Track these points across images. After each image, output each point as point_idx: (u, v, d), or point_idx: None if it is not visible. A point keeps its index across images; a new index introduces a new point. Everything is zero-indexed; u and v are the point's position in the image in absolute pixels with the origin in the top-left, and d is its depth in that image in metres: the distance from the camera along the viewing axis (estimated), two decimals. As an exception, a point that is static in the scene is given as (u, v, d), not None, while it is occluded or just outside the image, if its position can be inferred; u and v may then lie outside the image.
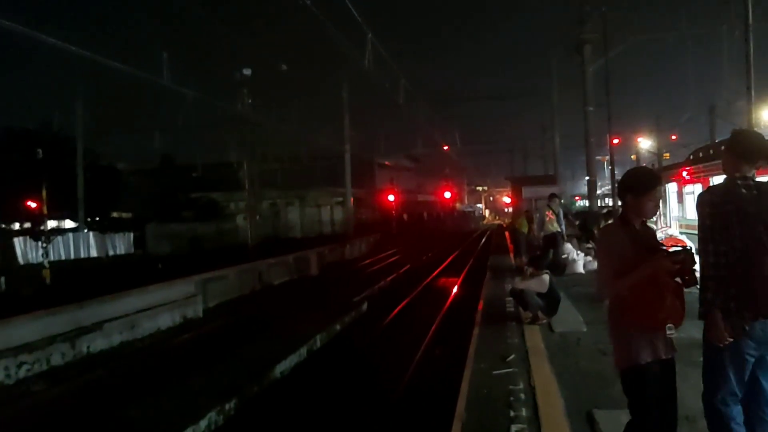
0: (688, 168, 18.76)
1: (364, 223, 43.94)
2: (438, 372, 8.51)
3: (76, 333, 10.17)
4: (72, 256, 33.26)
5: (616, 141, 27.45)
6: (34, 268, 24.04)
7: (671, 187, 20.65)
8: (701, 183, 16.42)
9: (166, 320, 12.68)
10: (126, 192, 47.07)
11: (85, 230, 37.01)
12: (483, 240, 40.11)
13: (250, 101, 26.87)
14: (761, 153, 3.44)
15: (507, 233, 31.46)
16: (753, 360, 3.30)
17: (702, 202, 3.43)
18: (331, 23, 18.54)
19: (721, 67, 28.37)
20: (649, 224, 3.60)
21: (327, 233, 42.83)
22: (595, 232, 15.89)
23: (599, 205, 27.55)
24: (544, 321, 8.91)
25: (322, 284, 19.80)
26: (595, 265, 12.95)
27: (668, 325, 3.16)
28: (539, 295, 9.06)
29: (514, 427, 4.94)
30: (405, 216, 54.25)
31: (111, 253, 35.53)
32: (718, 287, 3.29)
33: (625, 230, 3.27)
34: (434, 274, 21.13)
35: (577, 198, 64.53)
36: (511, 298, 10.29)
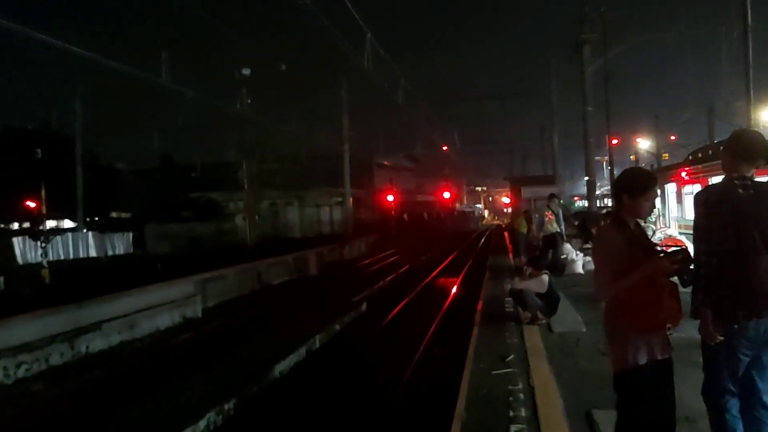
0: (687, 168, 18.77)
1: (364, 223, 43.92)
2: (437, 372, 8.51)
3: (75, 333, 10.16)
4: (71, 256, 33.26)
5: (615, 141, 27.50)
6: (33, 268, 24.04)
7: (670, 188, 20.66)
8: (700, 183, 16.42)
9: (165, 320, 12.68)
10: (125, 192, 47.09)
11: (84, 230, 37.01)
12: (482, 240, 40.13)
13: (249, 101, 26.84)
14: (760, 153, 3.44)
15: (506, 233, 31.47)
16: (747, 359, 3.32)
17: (697, 202, 3.45)
18: (331, 23, 18.54)
19: (720, 67, 28.38)
20: (647, 224, 3.61)
21: (326, 233, 42.83)
22: (594, 232, 15.89)
23: (598, 205, 27.55)
24: (544, 321, 8.91)
25: (321, 284, 19.80)
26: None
27: (667, 325, 3.18)
28: (538, 295, 9.06)
29: (513, 427, 4.94)
30: (405, 216, 54.25)
31: (110, 253, 35.51)
32: (709, 287, 3.30)
33: (620, 231, 3.27)
34: (433, 274, 21.13)
35: (576, 198, 64.54)
36: (510, 299, 10.30)
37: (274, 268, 20.16)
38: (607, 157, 34.60)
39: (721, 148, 4.09)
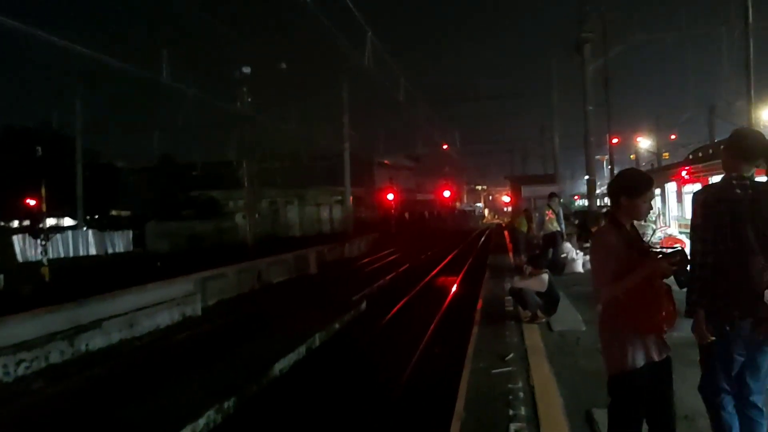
0: (687, 168, 18.78)
1: (364, 222, 43.93)
2: (437, 371, 8.50)
3: (75, 331, 10.16)
4: (71, 254, 33.28)
5: (615, 141, 27.50)
6: (33, 266, 24.01)
7: (670, 187, 20.67)
8: (700, 182, 16.43)
9: (165, 318, 12.67)
10: (125, 190, 47.04)
11: (85, 228, 37.01)
12: (482, 239, 40.12)
13: (249, 100, 26.85)
14: (761, 152, 3.44)
15: (506, 232, 31.47)
16: (742, 359, 3.33)
17: (695, 202, 3.45)
18: (331, 22, 18.54)
19: (720, 67, 28.37)
20: (647, 223, 3.62)
21: (326, 232, 42.82)
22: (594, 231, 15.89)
23: (598, 204, 27.53)
24: (543, 320, 8.92)
25: (321, 283, 19.80)
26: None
27: (663, 327, 3.19)
28: (538, 294, 9.07)
29: (513, 426, 4.94)
30: (406, 215, 54.23)
31: (110, 251, 35.52)
32: (704, 287, 3.31)
33: (617, 232, 3.27)
34: (433, 273, 21.13)
35: (576, 197, 64.55)
36: (510, 297, 10.30)
37: (274, 266, 20.17)
38: (607, 156, 34.60)
39: (722, 147, 4.09)
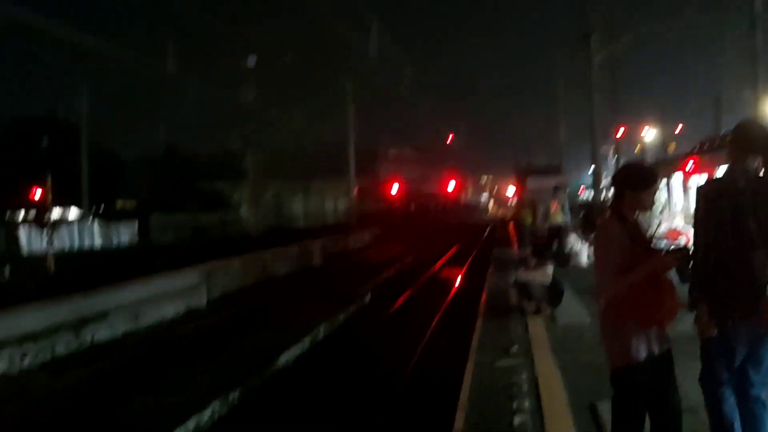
0: (692, 159, 18.67)
1: (369, 214, 43.89)
2: (441, 363, 8.50)
3: (80, 322, 10.18)
4: (76, 246, 33.35)
5: (621, 131, 27.35)
6: (38, 257, 24.10)
7: (676, 179, 20.57)
8: (706, 173, 16.34)
9: (170, 310, 12.69)
10: (130, 181, 47.15)
11: (90, 219, 37.08)
12: (487, 231, 40.06)
13: (254, 91, 26.84)
14: (765, 144, 3.41)
15: (511, 224, 31.40)
16: (744, 352, 3.31)
17: (698, 195, 3.43)
18: (337, 12, 18.48)
19: (727, 57, 28.16)
20: (653, 215, 3.60)
21: (331, 224, 42.79)
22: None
23: (603, 196, 27.43)
24: (548, 312, 8.91)
25: (325, 275, 19.80)
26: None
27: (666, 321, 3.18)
28: (543, 286, 9.05)
29: (516, 419, 4.94)
30: (412, 206, 54.14)
31: (115, 242, 35.58)
32: (706, 282, 3.29)
33: (622, 225, 3.25)
34: (438, 265, 21.12)
35: (581, 189, 64.31)
36: (514, 290, 10.29)
37: (279, 258, 20.17)
38: (613, 147, 34.44)
39: (726, 139, 4.06)
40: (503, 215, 58.02)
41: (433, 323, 11.51)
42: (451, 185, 69.15)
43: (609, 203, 3.59)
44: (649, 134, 45.68)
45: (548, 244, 14.25)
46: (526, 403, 5.28)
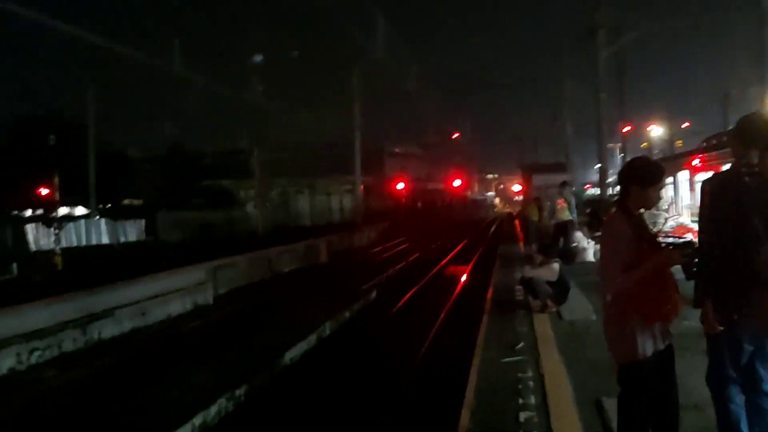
0: (700, 155, 18.62)
1: (374, 211, 43.86)
2: (447, 360, 8.50)
3: (88, 319, 10.22)
4: (83, 243, 33.46)
5: (627, 128, 27.25)
6: (46, 255, 24.21)
7: (683, 175, 20.51)
8: (713, 170, 16.29)
9: (176, 307, 12.73)
10: (137, 179, 47.27)
11: (97, 217, 37.22)
12: (493, 228, 40.03)
13: (260, 88, 26.87)
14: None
15: (517, 221, 31.37)
16: (751, 349, 3.30)
17: (703, 192, 3.41)
18: (343, 10, 18.47)
19: (735, 53, 28.06)
20: (659, 211, 3.59)
21: (337, 221, 42.79)
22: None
23: (610, 192, 27.33)
24: (554, 309, 8.90)
25: (331, 272, 19.82)
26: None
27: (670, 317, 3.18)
28: (549, 283, 9.05)
29: (522, 415, 4.94)
30: (419, 204, 54.10)
31: (122, 239, 35.69)
32: (711, 278, 3.27)
33: (628, 221, 3.24)
34: (444, 262, 21.10)
35: (587, 186, 64.14)
36: (520, 287, 10.28)
37: (285, 256, 20.20)
38: (619, 144, 34.32)
39: (730, 134, 4.04)
40: (510, 212, 58.03)
41: (439, 320, 11.51)
42: (457, 182, 69.13)
43: (616, 199, 3.58)
44: (656, 131, 45.53)
45: (554, 241, 14.26)
46: (532, 400, 5.28)
